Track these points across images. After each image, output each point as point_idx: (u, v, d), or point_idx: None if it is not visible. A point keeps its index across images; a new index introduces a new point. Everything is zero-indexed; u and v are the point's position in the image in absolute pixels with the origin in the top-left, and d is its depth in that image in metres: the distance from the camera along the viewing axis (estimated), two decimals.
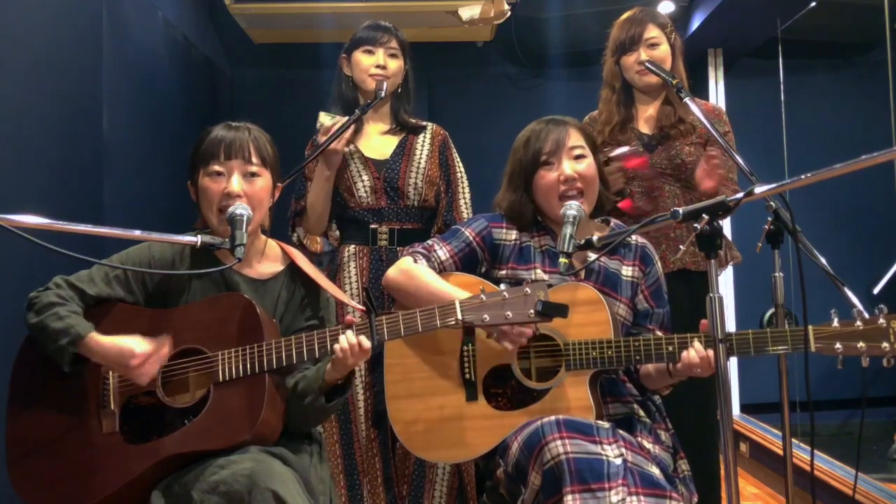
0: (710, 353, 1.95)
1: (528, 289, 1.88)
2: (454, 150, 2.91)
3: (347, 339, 1.89)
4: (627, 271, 2.28)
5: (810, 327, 1.94)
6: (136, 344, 1.88)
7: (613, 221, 2.37)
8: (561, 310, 1.88)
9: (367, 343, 1.89)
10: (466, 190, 2.89)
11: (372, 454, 2.68)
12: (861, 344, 1.90)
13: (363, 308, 1.95)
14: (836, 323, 1.93)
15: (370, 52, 2.80)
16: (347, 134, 2.70)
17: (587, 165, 2.24)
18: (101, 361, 1.92)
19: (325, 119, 2.76)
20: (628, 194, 2.82)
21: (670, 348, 2.05)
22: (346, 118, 2.72)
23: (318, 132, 2.76)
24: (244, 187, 2.02)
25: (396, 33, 2.84)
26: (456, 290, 2.11)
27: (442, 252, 2.25)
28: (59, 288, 1.96)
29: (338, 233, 2.87)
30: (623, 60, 2.90)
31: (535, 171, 2.25)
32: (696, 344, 2.01)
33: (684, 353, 2.02)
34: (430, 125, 2.91)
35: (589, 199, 2.24)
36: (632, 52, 2.86)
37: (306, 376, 1.99)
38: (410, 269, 2.20)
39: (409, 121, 2.88)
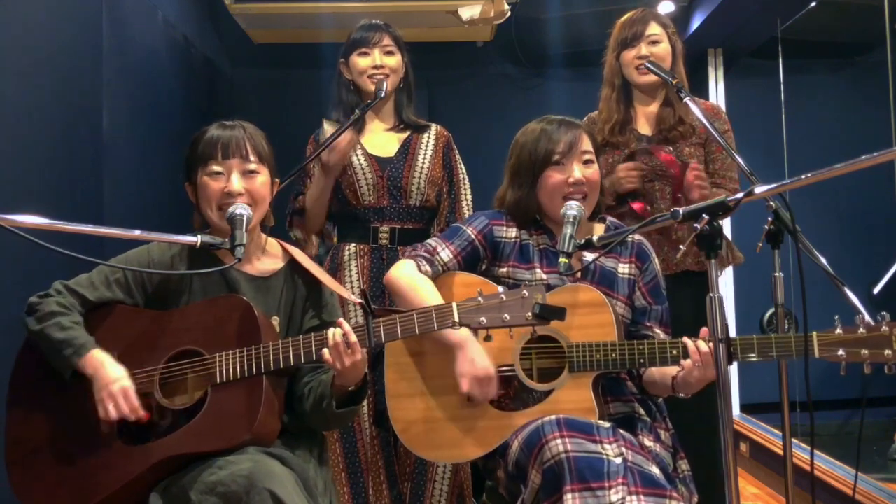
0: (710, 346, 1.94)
1: (525, 291, 1.86)
2: (457, 152, 2.91)
3: (333, 336, 1.88)
4: (624, 269, 2.28)
5: (814, 334, 1.95)
6: (124, 381, 1.88)
7: (609, 219, 2.37)
8: (558, 313, 1.85)
9: (353, 338, 1.87)
10: (468, 192, 2.89)
11: (374, 452, 2.68)
12: (864, 351, 1.91)
13: (361, 302, 1.94)
14: (839, 330, 1.94)
15: (366, 53, 2.78)
16: (344, 145, 2.64)
17: (594, 171, 2.26)
18: (89, 377, 1.91)
19: (328, 129, 2.74)
20: (640, 196, 2.82)
21: (674, 352, 2.05)
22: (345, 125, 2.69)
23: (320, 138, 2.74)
24: (244, 185, 2.02)
25: (389, 30, 2.82)
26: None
27: (445, 253, 2.25)
28: (60, 295, 1.95)
29: (335, 235, 2.85)
30: (623, 56, 2.89)
31: (543, 169, 2.24)
32: (699, 342, 2.01)
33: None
34: (433, 125, 2.91)
35: (590, 203, 2.25)
36: (632, 48, 2.86)
37: (323, 380, 1.99)
38: (413, 279, 2.19)
39: (414, 119, 2.87)
